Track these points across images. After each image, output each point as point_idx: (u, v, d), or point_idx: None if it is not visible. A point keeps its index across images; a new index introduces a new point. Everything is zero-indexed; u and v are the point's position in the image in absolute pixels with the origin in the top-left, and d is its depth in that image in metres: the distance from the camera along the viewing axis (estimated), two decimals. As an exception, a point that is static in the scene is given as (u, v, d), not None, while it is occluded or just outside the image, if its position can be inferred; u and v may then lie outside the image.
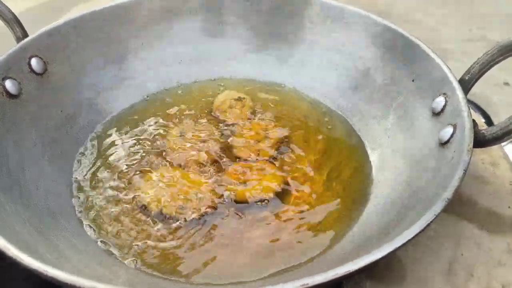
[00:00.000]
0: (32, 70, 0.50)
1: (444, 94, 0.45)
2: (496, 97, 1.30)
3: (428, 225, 0.31)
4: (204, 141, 0.53)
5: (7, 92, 0.46)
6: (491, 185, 0.48)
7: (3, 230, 0.32)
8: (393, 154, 0.48)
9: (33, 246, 0.35)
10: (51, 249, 0.37)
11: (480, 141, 0.40)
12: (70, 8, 0.93)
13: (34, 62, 0.50)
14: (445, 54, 0.43)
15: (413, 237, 0.30)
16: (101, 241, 0.43)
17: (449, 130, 0.42)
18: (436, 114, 0.45)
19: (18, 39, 0.51)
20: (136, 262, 0.41)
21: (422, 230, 0.31)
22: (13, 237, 0.32)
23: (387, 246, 0.30)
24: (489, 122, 1.08)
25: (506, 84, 1.33)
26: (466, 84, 0.45)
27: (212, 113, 0.57)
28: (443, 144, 0.42)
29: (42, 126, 0.50)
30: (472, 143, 0.38)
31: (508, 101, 1.28)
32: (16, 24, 0.51)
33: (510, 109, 1.28)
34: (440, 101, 0.45)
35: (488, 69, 0.45)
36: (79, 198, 0.47)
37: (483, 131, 0.40)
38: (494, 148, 0.52)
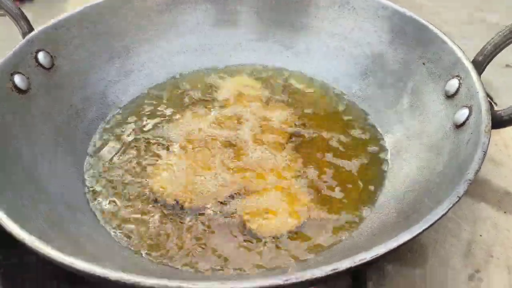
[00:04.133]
0: (39, 65, 0.49)
1: (458, 76, 0.45)
2: (498, 80, 1.30)
3: (453, 206, 0.31)
4: (214, 130, 0.53)
5: (17, 88, 0.46)
6: (505, 167, 0.48)
7: (24, 225, 0.32)
8: (407, 139, 0.48)
9: (55, 240, 0.34)
10: (71, 242, 0.37)
11: (497, 122, 0.40)
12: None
13: (41, 56, 0.50)
14: None
15: (440, 218, 0.30)
16: (117, 233, 0.43)
17: (465, 112, 0.42)
18: (450, 96, 0.45)
19: (24, 34, 0.50)
20: (152, 253, 0.41)
21: (448, 211, 0.31)
22: (36, 231, 0.32)
23: (414, 229, 0.30)
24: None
25: (508, 66, 1.33)
26: (480, 65, 0.44)
27: (220, 101, 0.57)
28: (459, 126, 0.42)
29: (52, 121, 0.49)
30: (490, 124, 0.38)
31: (510, 84, 1.28)
32: (22, 19, 0.50)
33: (512, 92, 1.28)
34: (453, 84, 0.45)
35: (501, 50, 0.45)
36: (92, 191, 0.47)
37: (500, 111, 0.40)
38: (507, 129, 0.52)
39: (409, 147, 0.48)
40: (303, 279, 0.27)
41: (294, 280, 0.26)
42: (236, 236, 0.42)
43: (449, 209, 0.31)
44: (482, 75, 0.45)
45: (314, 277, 0.27)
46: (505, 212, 0.43)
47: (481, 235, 0.41)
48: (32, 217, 0.37)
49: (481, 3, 1.63)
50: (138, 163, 0.49)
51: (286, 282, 0.26)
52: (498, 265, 0.39)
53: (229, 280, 0.27)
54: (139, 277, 0.28)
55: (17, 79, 0.46)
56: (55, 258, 0.29)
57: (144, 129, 0.53)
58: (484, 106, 0.40)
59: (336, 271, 0.27)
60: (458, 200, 0.32)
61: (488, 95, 1.18)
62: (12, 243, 0.43)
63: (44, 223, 0.37)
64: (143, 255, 0.41)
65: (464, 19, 1.56)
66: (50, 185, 0.44)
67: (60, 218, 0.40)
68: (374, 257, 0.28)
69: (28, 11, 0.54)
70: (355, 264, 0.28)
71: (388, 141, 0.51)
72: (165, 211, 0.44)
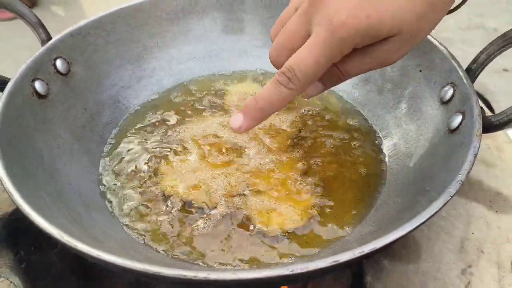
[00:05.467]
0: (57, 71, 0.52)
1: (452, 83, 0.47)
2: (495, 84, 1.33)
3: (444, 205, 0.34)
4: (221, 133, 0.55)
5: (37, 93, 0.49)
6: (497, 168, 0.51)
7: (51, 221, 0.34)
8: (405, 142, 0.51)
9: (79, 235, 0.37)
10: (90, 238, 0.40)
11: (488, 127, 0.42)
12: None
13: (58, 63, 0.52)
14: (445, 43, 0.45)
15: (432, 216, 0.33)
16: (132, 230, 0.46)
17: (458, 117, 0.44)
18: (445, 102, 0.48)
19: (43, 42, 0.53)
20: (166, 249, 0.44)
21: (439, 210, 0.34)
22: (61, 227, 0.34)
23: (408, 225, 0.32)
24: (490, 108, 1.10)
25: (505, 70, 1.36)
26: (473, 73, 0.47)
27: (227, 106, 0.60)
28: (453, 131, 0.45)
29: (69, 125, 0.52)
30: (481, 129, 0.40)
31: (508, 87, 1.31)
32: (40, 28, 0.53)
33: (510, 95, 1.31)
34: (448, 90, 0.47)
35: (493, 58, 0.47)
36: (107, 191, 0.50)
37: (490, 117, 0.43)
38: (499, 133, 0.55)
39: (407, 150, 0.50)
40: (308, 269, 0.29)
41: (299, 270, 0.29)
42: (243, 233, 0.45)
43: (441, 208, 0.34)
44: (480, 80, 0.47)
45: (318, 268, 0.29)
46: (496, 212, 0.46)
47: (473, 233, 0.44)
48: (54, 214, 0.40)
49: (479, 9, 1.66)
50: (150, 165, 0.52)
51: (292, 272, 0.29)
52: (489, 260, 0.42)
53: (239, 270, 0.30)
54: (158, 267, 0.30)
55: (38, 85, 0.49)
56: (84, 251, 0.31)
57: (154, 132, 0.56)
58: (476, 112, 0.42)
59: (338, 262, 0.30)
60: (450, 199, 0.35)
61: (485, 99, 1.19)
62: (33, 239, 0.47)
63: (65, 220, 0.40)
64: (158, 250, 0.44)
65: (464, 25, 1.59)
66: (68, 185, 0.47)
67: (79, 216, 0.43)
68: (371, 250, 0.31)
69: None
70: (354, 257, 0.31)
71: (387, 144, 0.53)
72: (177, 210, 0.47)
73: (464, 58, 0.48)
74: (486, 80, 1.34)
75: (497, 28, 1.53)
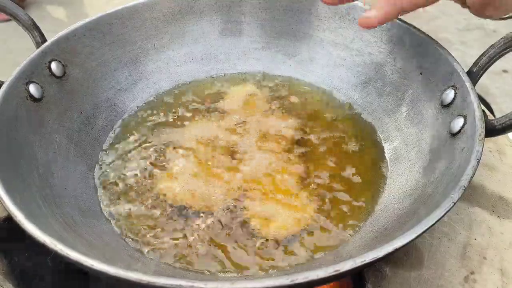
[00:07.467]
0: (52, 74, 0.51)
1: (453, 86, 0.47)
2: (495, 85, 1.33)
3: (447, 212, 0.33)
4: (219, 137, 0.55)
5: (32, 96, 0.48)
6: (499, 172, 0.50)
7: (41, 227, 0.33)
8: (405, 146, 0.50)
9: (71, 242, 0.36)
10: (84, 244, 0.39)
11: (490, 131, 0.42)
12: None
13: (53, 65, 0.52)
14: (444, 44, 0.45)
15: (435, 223, 0.32)
16: (128, 236, 0.45)
17: (460, 121, 0.44)
18: (446, 106, 0.47)
19: (38, 44, 0.52)
20: (162, 255, 0.43)
21: (442, 217, 0.33)
22: (52, 233, 0.33)
23: (411, 233, 0.32)
24: (489, 110, 1.10)
25: (505, 71, 1.35)
26: (474, 76, 0.46)
27: (225, 109, 0.59)
28: (454, 134, 0.44)
29: (64, 129, 0.51)
30: (483, 133, 0.40)
31: (507, 89, 1.30)
32: (35, 30, 0.52)
33: (509, 97, 1.30)
34: (449, 93, 0.47)
35: (495, 61, 0.47)
36: (103, 196, 0.49)
37: (493, 121, 0.42)
38: (500, 136, 0.54)
39: (408, 154, 0.50)
40: (308, 279, 0.29)
41: (300, 280, 0.28)
42: (242, 240, 0.44)
43: (443, 215, 0.33)
44: (479, 81, 0.46)
45: (319, 277, 0.29)
46: (498, 217, 0.45)
47: (475, 239, 0.43)
48: (48, 220, 0.39)
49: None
50: (146, 169, 0.51)
51: (292, 282, 0.28)
52: (492, 267, 0.41)
53: (238, 280, 0.29)
54: (151, 277, 0.29)
55: (32, 88, 0.48)
56: (77, 260, 0.30)
57: (152, 136, 0.55)
58: (478, 116, 0.41)
59: (339, 272, 0.29)
60: (453, 206, 0.34)
61: (485, 101, 1.19)
62: (27, 245, 0.46)
63: (59, 226, 0.39)
64: (153, 257, 0.43)
65: (462, 26, 1.58)
66: (63, 190, 0.46)
67: (73, 221, 0.42)
68: (373, 259, 0.30)
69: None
70: (356, 266, 0.30)
71: (388, 148, 0.53)
72: (173, 215, 0.46)
73: (463, 59, 0.47)
74: (485, 82, 1.33)
75: (496, 30, 1.53)
